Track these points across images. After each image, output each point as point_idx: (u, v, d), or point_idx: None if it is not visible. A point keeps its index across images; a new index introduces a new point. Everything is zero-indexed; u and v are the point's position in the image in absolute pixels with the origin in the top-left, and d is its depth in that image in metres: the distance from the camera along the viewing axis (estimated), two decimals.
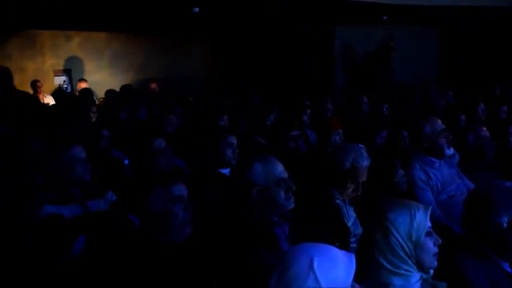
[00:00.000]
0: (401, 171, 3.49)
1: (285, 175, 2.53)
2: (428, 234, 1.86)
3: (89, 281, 2.48)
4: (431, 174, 3.64)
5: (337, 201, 3.03)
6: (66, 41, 10.03)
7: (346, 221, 3.02)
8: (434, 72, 11.15)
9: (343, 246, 2.83)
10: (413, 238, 1.85)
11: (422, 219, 1.86)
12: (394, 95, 7.74)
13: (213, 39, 10.96)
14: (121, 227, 2.79)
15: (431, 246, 1.86)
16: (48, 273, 2.63)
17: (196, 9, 7.55)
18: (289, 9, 8.56)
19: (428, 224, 1.87)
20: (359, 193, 3.02)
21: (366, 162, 2.99)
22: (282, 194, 2.47)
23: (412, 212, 1.86)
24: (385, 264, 1.87)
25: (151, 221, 2.27)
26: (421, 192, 3.58)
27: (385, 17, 9.56)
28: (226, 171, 3.72)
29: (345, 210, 3.05)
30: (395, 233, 1.85)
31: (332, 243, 2.82)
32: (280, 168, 2.52)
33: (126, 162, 4.35)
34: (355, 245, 2.91)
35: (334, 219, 2.96)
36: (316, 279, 1.47)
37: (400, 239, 1.85)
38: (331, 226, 2.88)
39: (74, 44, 10.13)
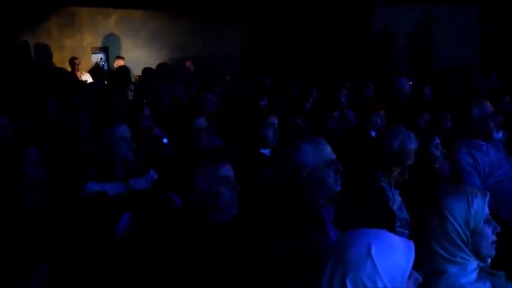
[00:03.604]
0: (439, 151, 3.42)
1: (334, 156, 2.49)
2: (486, 221, 1.79)
3: (134, 260, 2.51)
4: (479, 158, 3.53)
5: (382, 184, 2.97)
6: (104, 18, 10.09)
7: (391, 204, 2.96)
8: (474, 53, 10.79)
9: (389, 230, 2.78)
10: (471, 225, 1.78)
11: (480, 206, 1.79)
12: (435, 76, 7.54)
13: (250, 17, 10.85)
14: (163, 205, 2.81)
15: (489, 233, 1.80)
16: (93, 250, 2.67)
17: None
18: None
19: (487, 210, 1.80)
20: (405, 177, 2.95)
21: (413, 145, 2.92)
22: (332, 176, 2.44)
23: (470, 198, 1.80)
24: (441, 251, 1.81)
25: (198, 200, 2.27)
26: (468, 176, 3.49)
27: None
28: (266, 151, 3.69)
29: (390, 193, 2.99)
30: (451, 219, 1.79)
31: (376, 227, 2.79)
32: (328, 149, 2.48)
33: (165, 141, 4.37)
34: (401, 230, 2.86)
35: (378, 203, 2.90)
36: (374, 265, 1.43)
37: (457, 226, 1.79)
38: (376, 209, 2.83)
39: (112, 22, 10.18)
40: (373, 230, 1.55)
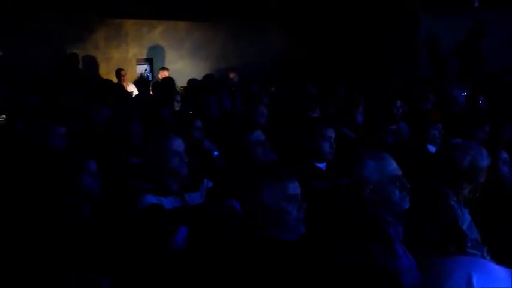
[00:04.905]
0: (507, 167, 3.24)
1: (399, 172, 2.40)
2: None
3: (191, 273, 2.44)
4: None
5: (452, 202, 2.80)
6: (148, 30, 10.23)
7: (460, 223, 2.79)
8: None
9: (459, 251, 2.63)
10: None
11: None
12: (488, 85, 7.27)
13: (289, 25, 10.79)
14: (222, 214, 2.72)
15: None
16: (149, 263, 2.61)
17: None
18: None
19: None
20: (477, 195, 2.79)
21: (486, 162, 2.75)
22: (397, 193, 2.37)
23: None
24: None
25: (262, 217, 2.17)
26: None
27: (476, 4, 9.01)
28: (322, 165, 3.57)
29: (460, 212, 2.82)
30: None
31: (446, 247, 2.63)
32: (393, 165, 2.41)
33: (216, 153, 4.30)
34: (472, 251, 2.69)
35: (448, 222, 2.74)
36: None
37: None
38: (446, 229, 2.68)
39: (156, 34, 10.30)
40: (471, 258, 1.43)
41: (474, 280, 1.32)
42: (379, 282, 2.13)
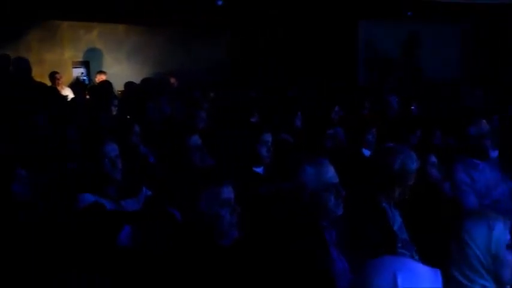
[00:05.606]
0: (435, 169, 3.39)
1: (336, 180, 2.48)
2: (508, 247, 1.73)
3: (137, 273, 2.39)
4: (475, 177, 3.50)
5: (383, 204, 2.89)
6: (85, 32, 9.96)
7: (392, 225, 2.88)
8: (457, 70, 10.95)
9: (390, 251, 2.71)
10: (493, 251, 1.72)
11: (501, 232, 1.73)
12: (422, 93, 7.58)
13: (234, 32, 10.83)
14: (162, 221, 2.69)
15: (510, 260, 1.73)
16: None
17: (220, 2, 7.43)
18: (312, 4, 8.44)
19: (508, 236, 1.74)
20: (406, 197, 2.88)
21: (415, 165, 2.85)
22: (332, 199, 2.44)
23: (491, 224, 1.73)
24: (460, 278, 1.74)
25: (199, 222, 2.16)
26: (465, 195, 3.44)
27: (409, 13, 9.38)
28: (260, 170, 3.60)
29: (391, 214, 2.92)
30: (472, 245, 1.72)
31: (378, 248, 2.72)
32: (331, 172, 2.48)
33: (152, 159, 4.24)
34: (402, 251, 2.78)
35: (380, 224, 2.83)
36: None
37: (478, 252, 1.72)
38: (377, 231, 2.76)
39: (93, 36, 10.05)
40: (397, 258, 1.48)
41: (399, 279, 1.36)
42: (318, 281, 2.18)
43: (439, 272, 1.43)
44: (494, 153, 3.56)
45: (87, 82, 9.93)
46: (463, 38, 11.18)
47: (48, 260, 2.42)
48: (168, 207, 2.73)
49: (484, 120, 3.57)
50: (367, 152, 4.36)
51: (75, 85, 9.20)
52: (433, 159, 3.48)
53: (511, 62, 10.14)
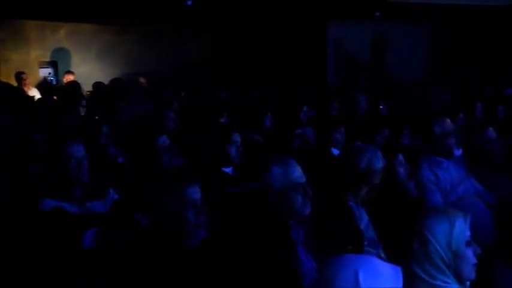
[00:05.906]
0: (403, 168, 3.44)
1: (303, 180, 2.50)
2: (468, 243, 1.76)
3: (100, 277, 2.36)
4: (440, 175, 3.56)
5: (350, 203, 2.93)
6: (52, 32, 9.79)
7: (358, 223, 2.92)
8: (424, 70, 11.14)
9: (357, 249, 2.74)
10: (453, 248, 1.75)
11: (462, 228, 1.76)
12: (389, 93, 7.69)
13: (204, 32, 10.78)
14: (127, 225, 2.66)
15: (470, 256, 1.77)
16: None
17: (189, 2, 7.40)
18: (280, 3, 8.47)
19: (468, 232, 1.77)
20: (373, 195, 2.92)
21: (381, 164, 2.89)
22: (299, 199, 2.45)
23: (452, 220, 1.76)
24: (421, 274, 1.77)
25: (164, 223, 2.15)
26: (430, 193, 3.50)
27: (377, 13, 9.50)
28: (229, 170, 3.60)
29: (357, 212, 2.95)
30: (433, 241, 1.75)
31: (345, 247, 2.75)
32: (298, 172, 2.50)
33: (121, 160, 4.20)
34: (369, 249, 2.82)
35: (346, 222, 2.86)
36: None
37: (439, 248, 1.75)
38: (344, 229, 2.79)
39: (61, 36, 9.88)
40: (358, 256, 1.50)
41: (360, 277, 1.38)
42: (286, 280, 2.19)
43: (399, 270, 1.45)
44: (459, 152, 3.63)
45: (54, 82, 9.76)
46: (427, 38, 11.39)
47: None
48: (133, 212, 2.70)
49: (448, 119, 3.63)
50: (336, 152, 4.40)
51: (42, 85, 9.04)
52: (400, 157, 3.53)
53: (475, 61, 10.41)
